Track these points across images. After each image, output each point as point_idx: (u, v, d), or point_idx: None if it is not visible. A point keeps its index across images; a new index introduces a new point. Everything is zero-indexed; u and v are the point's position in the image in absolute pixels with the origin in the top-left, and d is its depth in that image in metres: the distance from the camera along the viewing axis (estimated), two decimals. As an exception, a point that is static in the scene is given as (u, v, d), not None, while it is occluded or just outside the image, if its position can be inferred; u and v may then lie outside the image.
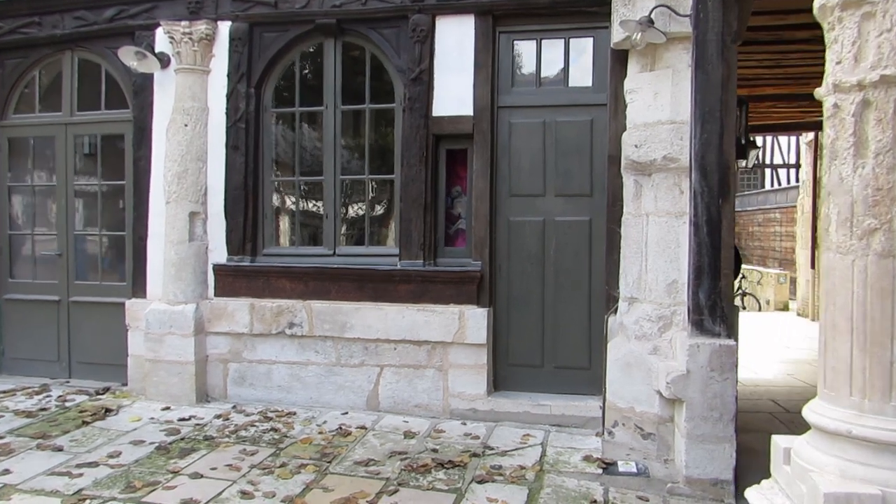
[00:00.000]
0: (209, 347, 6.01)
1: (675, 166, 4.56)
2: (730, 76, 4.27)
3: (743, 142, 6.23)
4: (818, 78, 3.11)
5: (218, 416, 5.53)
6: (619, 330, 4.90)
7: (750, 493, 3.23)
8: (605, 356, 4.94)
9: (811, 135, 12.68)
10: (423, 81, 5.55)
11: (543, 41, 5.58)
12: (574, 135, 5.47)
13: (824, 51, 3.01)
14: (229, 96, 5.95)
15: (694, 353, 4.15)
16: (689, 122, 4.43)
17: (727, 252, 4.31)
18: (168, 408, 5.74)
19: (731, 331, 4.28)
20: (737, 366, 4.18)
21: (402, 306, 5.59)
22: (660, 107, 4.60)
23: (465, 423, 5.38)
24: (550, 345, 5.55)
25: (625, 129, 4.91)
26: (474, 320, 5.44)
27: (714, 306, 4.22)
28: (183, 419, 5.46)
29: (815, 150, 12.24)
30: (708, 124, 4.25)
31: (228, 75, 5.94)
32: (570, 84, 5.54)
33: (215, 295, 6.02)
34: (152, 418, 5.49)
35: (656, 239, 4.66)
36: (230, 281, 5.98)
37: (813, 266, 12.36)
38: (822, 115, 3.06)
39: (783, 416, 5.89)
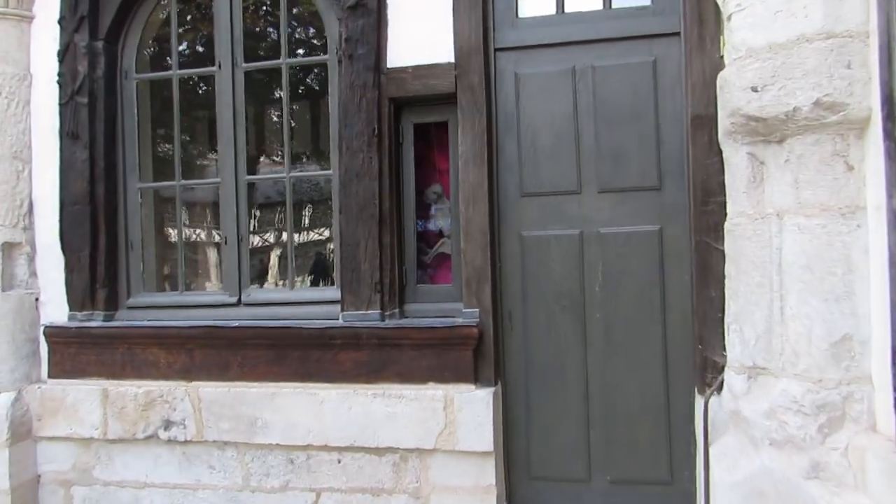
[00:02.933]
0: (41, 462, 3.94)
1: (838, 119, 2.56)
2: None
3: None
4: None
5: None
6: (733, 424, 2.87)
7: None
8: (703, 467, 2.90)
9: None
10: (369, 11, 3.56)
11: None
12: (625, 87, 3.46)
13: None
14: (63, 54, 3.94)
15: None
16: (871, 30, 2.44)
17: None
18: (-37, 573, 3.64)
19: None
20: None
21: (347, 389, 3.53)
22: (801, 9, 2.61)
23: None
24: (601, 444, 3.48)
25: (721, 66, 2.94)
26: (471, 410, 3.38)
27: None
28: None
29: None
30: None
31: (62, 22, 3.95)
32: (615, 4, 3.55)
33: (50, 376, 3.96)
34: None
35: (802, 259, 2.63)
36: (73, 353, 3.91)
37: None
38: None
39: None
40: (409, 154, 3.72)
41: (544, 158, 3.55)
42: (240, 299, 3.90)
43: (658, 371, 3.40)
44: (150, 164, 4.21)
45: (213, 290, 4.07)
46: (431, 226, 3.89)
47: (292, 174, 3.94)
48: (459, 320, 3.45)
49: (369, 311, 3.52)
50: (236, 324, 3.69)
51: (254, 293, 3.92)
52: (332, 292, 3.72)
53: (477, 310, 3.45)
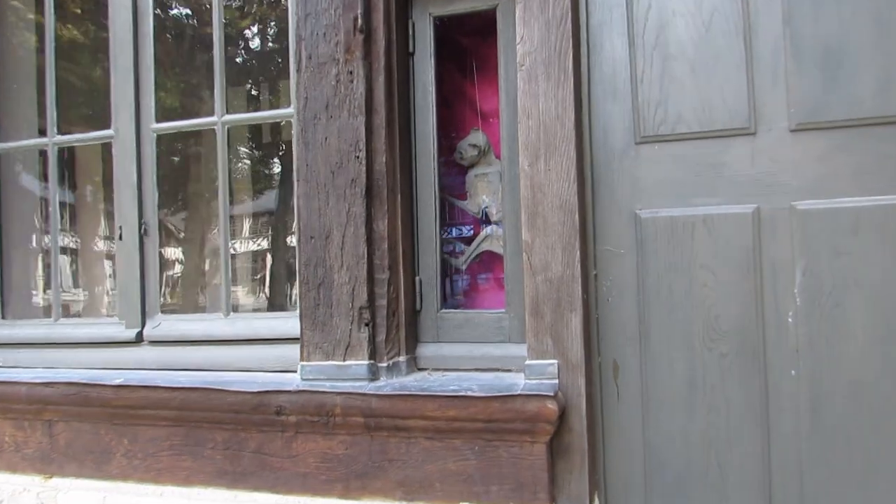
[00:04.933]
0: None
1: None
2: None
3: None
4: None
5: None
6: None
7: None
8: None
9: None
10: None
11: None
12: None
13: None
14: None
15: None
16: None
17: None
18: None
19: None
20: None
21: (309, 506, 1.97)
22: None
23: None
24: None
25: None
26: (544, 563, 1.76)
27: None
28: None
29: None
30: None
31: None
32: None
33: None
34: None
35: None
36: None
37: None
38: None
39: None
40: (424, 73, 2.13)
41: (681, 67, 1.91)
42: (141, 333, 2.38)
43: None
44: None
45: (107, 317, 2.53)
46: (468, 205, 2.30)
47: (227, 118, 2.39)
48: (519, 382, 1.84)
49: (348, 363, 1.94)
50: (120, 380, 2.15)
51: (165, 323, 2.38)
52: (293, 322, 2.15)
53: (554, 362, 1.83)
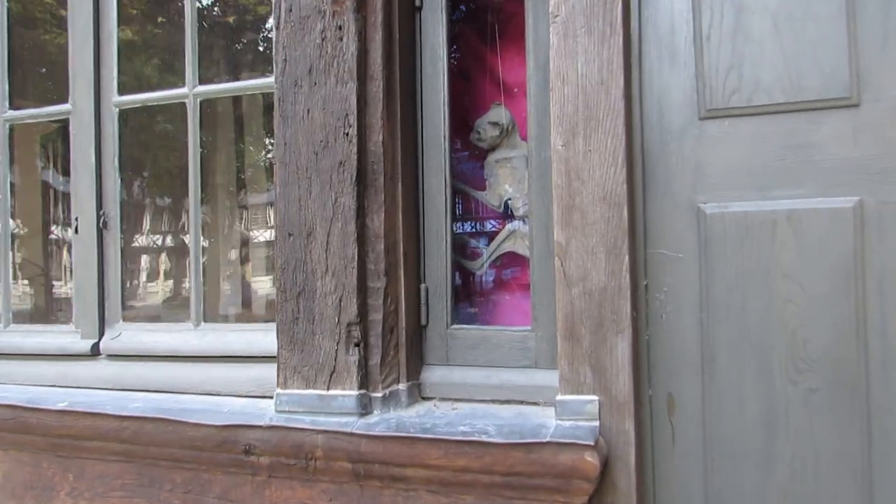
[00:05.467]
0: None
1: None
2: None
3: None
4: None
5: None
6: None
7: None
8: None
9: None
10: None
11: None
12: None
13: None
14: None
15: None
16: None
17: None
18: None
19: None
20: None
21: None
22: None
23: None
24: None
25: None
26: None
27: None
28: None
29: None
30: None
31: None
32: None
33: None
34: None
35: None
36: None
37: None
38: None
39: None
40: (434, 32, 1.74)
41: (760, 22, 1.49)
42: (98, 345, 2.03)
43: None
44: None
45: (63, 325, 2.18)
46: (487, 196, 1.90)
47: (200, 89, 2.02)
48: (549, 423, 1.44)
49: (333, 392, 1.56)
50: (64, 405, 1.79)
51: (126, 334, 2.03)
52: (273, 337, 1.78)
53: (594, 399, 1.43)
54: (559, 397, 1.46)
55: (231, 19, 2.84)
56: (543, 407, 1.58)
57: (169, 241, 3.05)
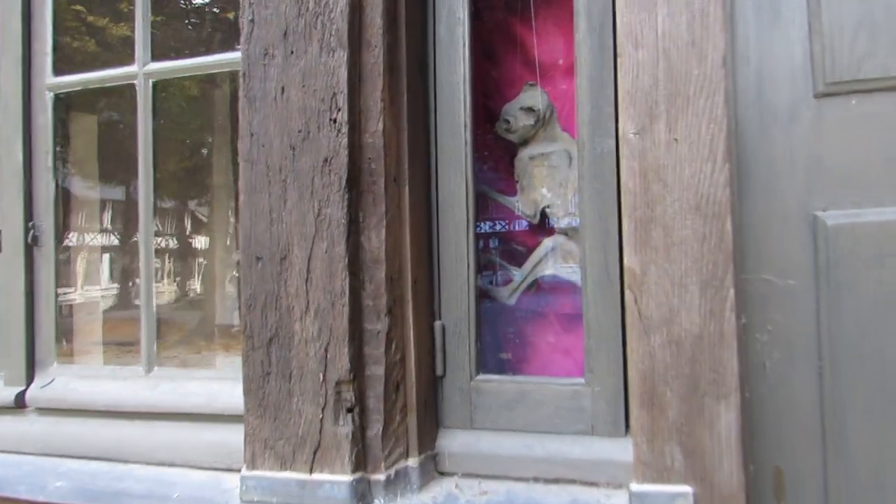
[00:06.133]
0: None
1: None
2: None
3: None
4: None
5: None
6: None
7: None
8: None
9: None
10: None
11: None
12: None
13: None
14: None
15: None
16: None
17: None
18: None
19: None
20: None
21: None
22: None
23: None
24: None
25: None
26: None
27: None
28: None
29: None
30: None
31: None
32: None
33: None
34: None
35: None
36: None
37: None
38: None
39: None
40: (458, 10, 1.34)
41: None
42: (24, 395, 1.61)
43: None
44: None
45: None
46: (519, 203, 1.49)
47: (152, 67, 1.60)
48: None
49: (318, 477, 1.14)
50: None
51: (61, 380, 1.61)
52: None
53: (687, 490, 1.02)
54: (636, 487, 1.05)
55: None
56: (607, 490, 1.16)
57: (121, 258, 2.64)
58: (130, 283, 2.83)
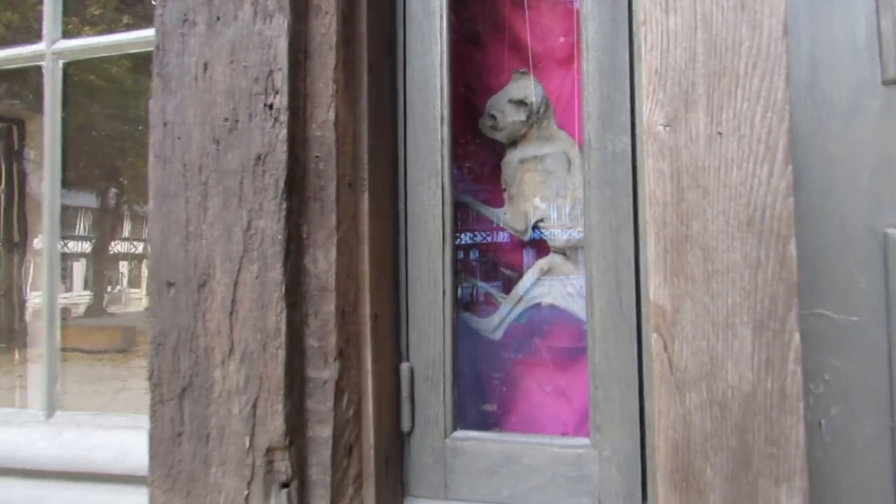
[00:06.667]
0: None
1: None
2: None
3: None
4: None
5: None
6: None
7: None
8: None
9: None
10: None
11: None
12: None
13: None
14: None
15: None
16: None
17: None
18: None
19: None
20: None
21: None
22: None
23: None
24: None
25: None
26: None
27: None
28: None
29: None
30: None
31: None
32: None
33: None
34: None
35: None
36: None
37: None
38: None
39: None
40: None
41: None
42: None
43: None
44: None
45: None
46: (506, 216, 1.23)
47: (62, 45, 1.33)
48: None
49: (243, 575, 0.89)
50: None
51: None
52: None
53: None
54: None
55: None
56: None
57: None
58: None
